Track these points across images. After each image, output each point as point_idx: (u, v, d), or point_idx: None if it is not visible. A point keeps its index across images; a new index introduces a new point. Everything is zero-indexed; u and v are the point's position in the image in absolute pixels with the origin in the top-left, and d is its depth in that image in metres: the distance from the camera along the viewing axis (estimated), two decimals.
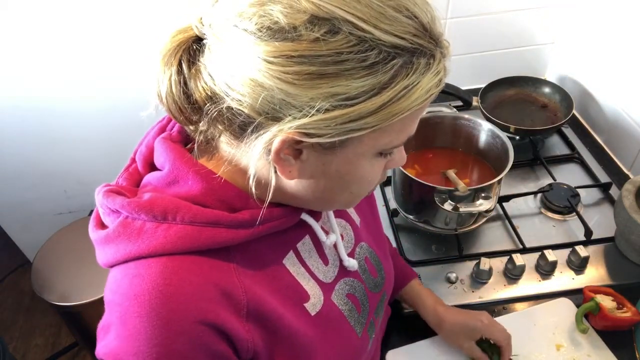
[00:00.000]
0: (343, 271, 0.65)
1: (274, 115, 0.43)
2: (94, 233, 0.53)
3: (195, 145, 0.53)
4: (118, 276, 0.49)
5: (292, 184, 0.51)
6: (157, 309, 0.45)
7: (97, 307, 1.42)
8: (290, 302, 0.56)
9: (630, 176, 1.19)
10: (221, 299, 0.49)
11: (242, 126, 0.46)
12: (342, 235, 0.67)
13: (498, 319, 0.89)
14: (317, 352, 0.58)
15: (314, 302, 0.59)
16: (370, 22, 0.41)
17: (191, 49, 0.47)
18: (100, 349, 0.49)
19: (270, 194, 0.48)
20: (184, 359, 0.47)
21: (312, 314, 0.59)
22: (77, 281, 1.44)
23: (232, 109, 0.45)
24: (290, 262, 0.58)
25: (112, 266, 0.51)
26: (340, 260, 0.65)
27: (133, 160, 0.58)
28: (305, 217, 0.58)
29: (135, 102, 1.44)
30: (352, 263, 0.65)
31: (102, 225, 0.53)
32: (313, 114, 0.42)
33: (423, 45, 0.43)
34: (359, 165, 0.49)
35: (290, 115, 0.43)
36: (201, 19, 0.47)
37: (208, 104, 0.47)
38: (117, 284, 0.49)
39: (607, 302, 0.89)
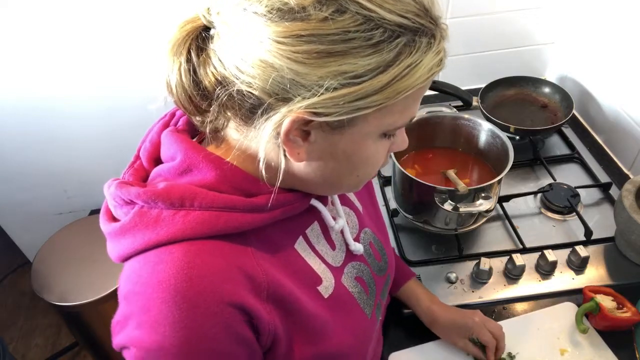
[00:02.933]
0: (350, 255, 0.67)
1: (283, 96, 0.44)
2: (106, 226, 0.53)
3: (207, 133, 0.54)
4: (137, 266, 0.49)
5: (301, 167, 0.52)
6: (183, 292, 0.46)
7: (97, 307, 1.42)
8: (304, 286, 0.57)
9: (630, 176, 1.19)
10: (244, 281, 0.49)
11: (251, 109, 0.47)
12: (347, 222, 0.68)
13: (502, 323, 0.89)
14: (331, 334, 0.60)
15: (326, 285, 0.61)
16: (375, 2, 0.42)
17: (200, 38, 0.48)
18: (120, 339, 0.49)
19: (280, 177, 0.49)
20: (210, 342, 0.47)
21: (325, 296, 0.60)
22: (77, 281, 1.44)
23: (242, 92, 0.46)
24: (301, 247, 0.59)
25: (127, 258, 0.51)
26: (347, 245, 0.66)
27: (137, 156, 0.59)
28: (314, 202, 0.60)
29: (135, 102, 1.44)
30: (358, 247, 0.67)
31: (113, 219, 0.53)
32: (322, 93, 0.43)
33: (424, 25, 0.45)
34: (364, 146, 0.50)
35: (299, 95, 0.44)
36: (209, 8, 0.48)
37: (218, 89, 0.47)
38: (136, 274, 0.48)
39: (607, 302, 0.89)
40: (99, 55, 1.37)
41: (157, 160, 0.57)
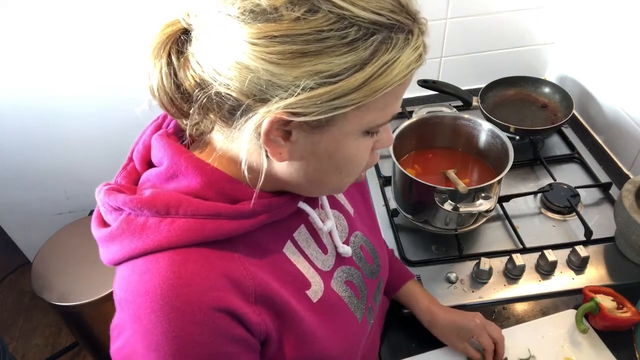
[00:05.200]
0: (340, 259, 0.67)
1: (261, 97, 0.44)
2: (97, 231, 0.54)
3: (191, 136, 0.54)
4: (126, 274, 0.49)
5: (284, 168, 0.51)
6: (170, 302, 0.46)
7: (97, 307, 1.42)
8: (293, 289, 0.57)
9: (630, 176, 1.19)
10: (230, 287, 0.49)
11: (231, 111, 0.47)
12: (336, 225, 0.68)
13: (506, 330, 0.89)
14: (321, 337, 0.60)
15: (315, 290, 0.61)
16: (347, 0, 0.42)
17: (179, 41, 0.49)
18: (117, 349, 0.50)
19: (262, 178, 0.49)
20: (202, 347, 0.47)
21: (314, 300, 0.60)
22: (77, 281, 1.44)
23: (220, 94, 0.46)
24: (289, 252, 0.59)
25: (117, 264, 0.51)
26: (337, 248, 0.66)
27: (130, 159, 0.59)
28: (302, 205, 0.59)
29: (134, 102, 1.44)
30: (346, 249, 0.67)
31: (104, 224, 0.54)
32: (299, 93, 0.43)
33: (400, 21, 0.45)
34: (346, 144, 0.50)
35: (277, 95, 0.44)
36: (188, 12, 0.48)
37: (197, 91, 0.48)
38: (126, 282, 0.49)
39: (607, 302, 0.89)
40: (99, 55, 1.37)
41: (149, 163, 0.57)
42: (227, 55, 0.44)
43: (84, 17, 1.29)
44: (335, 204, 0.71)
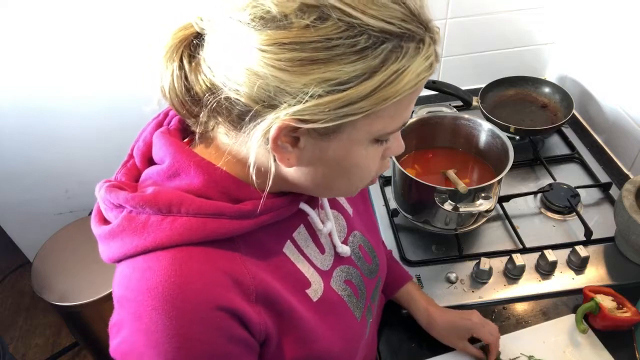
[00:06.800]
0: (338, 259, 0.67)
1: (269, 103, 0.44)
2: (97, 228, 0.53)
3: (196, 137, 0.55)
4: (127, 271, 0.49)
5: (292, 172, 0.52)
6: (172, 299, 0.46)
7: (97, 307, 1.42)
8: (293, 289, 0.58)
9: (630, 176, 1.19)
10: (231, 285, 0.49)
11: (240, 115, 0.47)
12: (335, 225, 0.68)
13: (507, 336, 0.89)
14: (321, 336, 0.60)
15: (315, 289, 0.61)
16: (358, 8, 0.42)
17: (192, 45, 0.49)
18: (116, 347, 0.50)
19: (270, 183, 0.49)
20: (203, 345, 0.47)
21: (314, 299, 0.60)
22: (77, 281, 1.44)
23: (230, 99, 0.46)
24: (289, 251, 0.60)
25: (117, 261, 0.51)
26: (335, 248, 0.66)
27: (131, 156, 0.59)
28: (303, 206, 0.59)
29: (135, 102, 1.44)
30: (345, 249, 0.67)
31: (104, 221, 0.54)
32: (307, 100, 0.43)
33: (411, 30, 0.44)
34: (355, 152, 0.50)
35: (285, 102, 0.44)
36: (200, 16, 0.48)
37: (207, 95, 0.48)
38: (127, 279, 0.49)
39: (607, 302, 0.89)
40: (100, 55, 1.37)
41: (150, 160, 0.57)
42: (237, 61, 0.44)
43: (84, 17, 1.29)
44: (334, 204, 0.71)
